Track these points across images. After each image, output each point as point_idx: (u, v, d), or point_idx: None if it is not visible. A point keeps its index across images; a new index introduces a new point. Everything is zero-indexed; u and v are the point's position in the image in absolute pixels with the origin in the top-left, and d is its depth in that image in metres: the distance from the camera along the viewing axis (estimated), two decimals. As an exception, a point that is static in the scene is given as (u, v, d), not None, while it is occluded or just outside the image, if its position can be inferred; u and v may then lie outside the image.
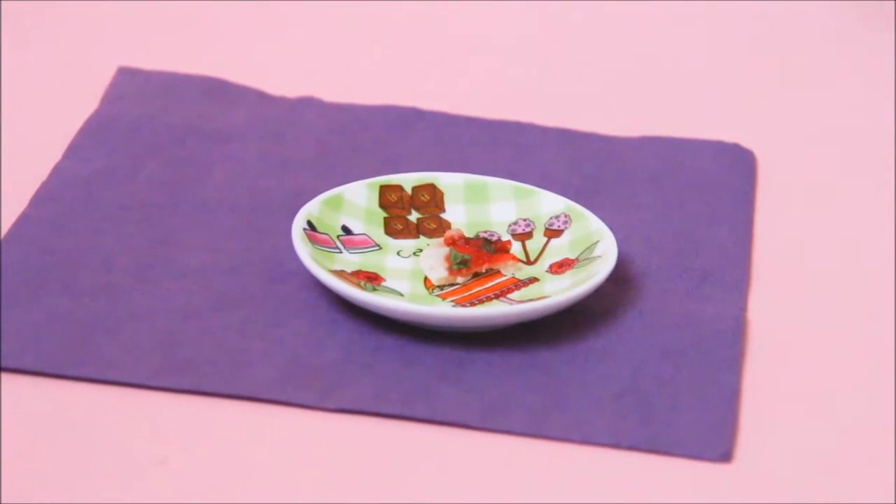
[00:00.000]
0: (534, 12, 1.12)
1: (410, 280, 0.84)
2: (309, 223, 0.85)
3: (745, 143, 0.99)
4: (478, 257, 0.85)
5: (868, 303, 0.86)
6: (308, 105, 0.99)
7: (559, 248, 0.86)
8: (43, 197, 0.89)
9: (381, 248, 0.86)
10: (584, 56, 1.08)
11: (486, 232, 0.88)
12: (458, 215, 0.89)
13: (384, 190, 0.89)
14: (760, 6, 1.16)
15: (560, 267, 0.85)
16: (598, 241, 0.85)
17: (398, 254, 0.86)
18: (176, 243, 0.86)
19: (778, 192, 0.95)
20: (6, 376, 0.77)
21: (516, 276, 0.85)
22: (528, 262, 0.86)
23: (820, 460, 0.75)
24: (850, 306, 0.86)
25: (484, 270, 0.85)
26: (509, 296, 0.83)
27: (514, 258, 0.86)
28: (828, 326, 0.84)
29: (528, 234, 0.87)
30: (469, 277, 0.85)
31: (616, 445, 0.75)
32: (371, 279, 0.84)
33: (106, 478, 0.72)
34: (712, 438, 0.75)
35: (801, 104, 1.04)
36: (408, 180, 0.89)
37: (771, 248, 0.90)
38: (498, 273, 0.85)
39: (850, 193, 0.95)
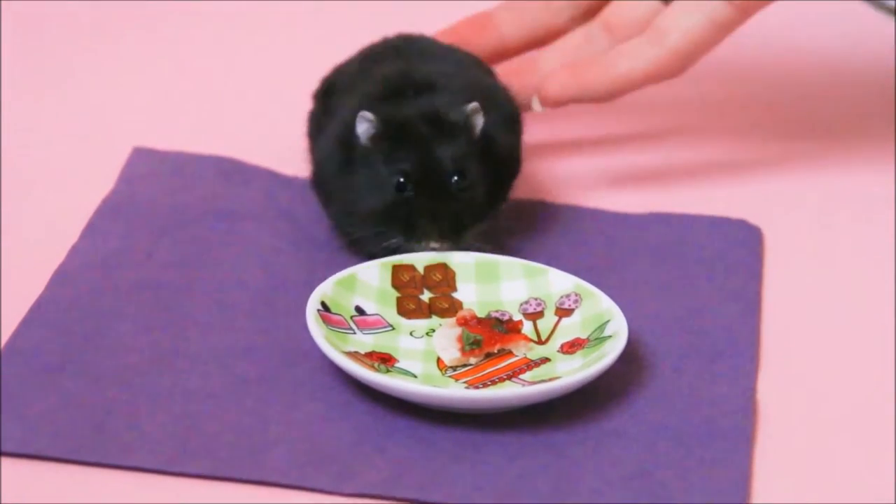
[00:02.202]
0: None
1: (423, 361, 0.85)
2: (323, 304, 0.86)
3: (752, 218, 1.00)
4: (490, 338, 0.86)
5: (880, 380, 0.87)
6: (320, 184, 1.00)
7: (570, 328, 0.87)
8: (60, 279, 0.90)
9: (394, 329, 0.87)
10: (587, 131, 1.10)
11: (497, 312, 0.89)
12: (470, 294, 0.90)
13: (397, 270, 0.90)
14: (762, 81, 1.17)
15: (571, 347, 0.86)
16: (608, 321, 0.86)
17: (411, 334, 0.87)
18: (192, 325, 0.87)
19: (786, 268, 0.96)
20: (23, 462, 0.78)
21: (528, 357, 0.86)
22: (540, 342, 0.87)
23: (831, 542, 0.76)
24: (862, 385, 0.86)
25: (496, 351, 0.86)
26: (521, 376, 0.84)
27: (526, 338, 0.87)
28: (839, 405, 0.85)
29: (540, 314, 0.88)
30: (482, 358, 0.86)
31: (628, 528, 0.76)
32: (384, 360, 0.85)
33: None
34: (724, 520, 0.76)
35: (807, 179, 1.05)
36: (420, 260, 0.90)
37: (780, 325, 0.91)
38: (510, 353, 0.86)
39: (859, 270, 0.96)
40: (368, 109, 0.90)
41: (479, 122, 0.91)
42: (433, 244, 0.90)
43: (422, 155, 0.89)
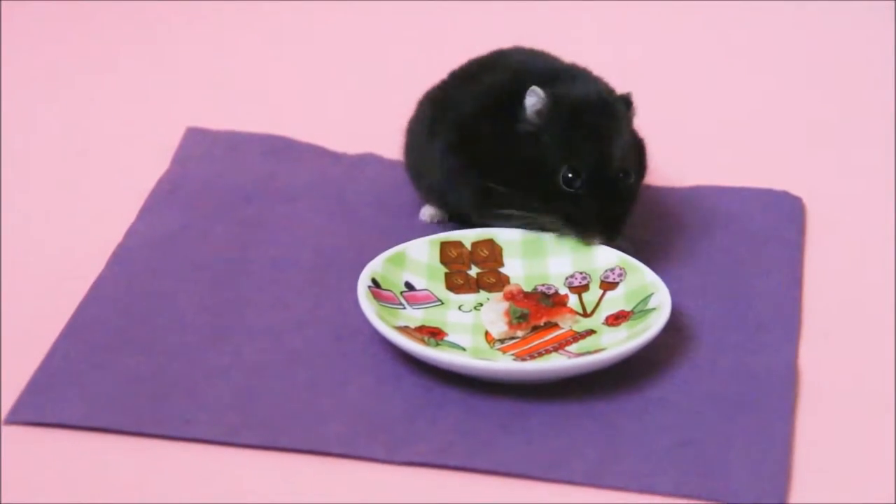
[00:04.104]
0: (582, 63, 1.15)
1: (472, 334, 0.88)
2: (373, 281, 0.88)
3: (794, 189, 1.01)
4: (536, 311, 0.88)
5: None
6: (369, 162, 1.03)
7: (615, 301, 0.89)
8: (119, 258, 0.92)
9: (442, 304, 0.90)
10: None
11: (543, 285, 0.91)
12: (517, 269, 0.92)
13: (445, 246, 0.92)
14: (808, 54, 1.18)
15: (616, 319, 0.88)
16: (652, 294, 0.88)
17: (459, 308, 0.90)
18: (246, 302, 0.90)
19: (828, 238, 0.97)
20: (87, 435, 0.80)
21: (574, 329, 0.88)
22: (585, 315, 0.89)
23: (872, 507, 0.78)
24: (899, 354, 0.88)
25: (542, 324, 0.88)
26: (567, 348, 0.86)
27: (572, 311, 0.89)
28: (879, 375, 0.86)
29: (585, 287, 0.90)
30: (528, 331, 0.88)
31: (673, 494, 0.78)
32: (434, 334, 0.87)
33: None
34: (767, 487, 0.78)
35: (849, 149, 1.07)
36: (467, 236, 0.92)
37: (821, 295, 0.92)
38: (556, 326, 0.88)
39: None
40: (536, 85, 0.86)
41: (635, 111, 0.89)
42: (597, 241, 0.88)
43: (595, 150, 0.86)
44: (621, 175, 0.88)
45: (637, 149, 0.91)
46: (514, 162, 0.88)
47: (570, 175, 0.87)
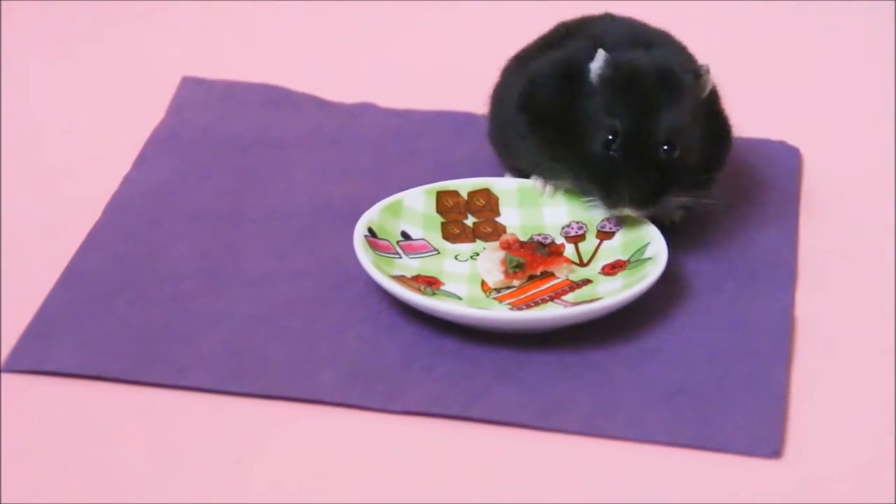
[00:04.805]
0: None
1: (468, 283, 0.88)
2: (370, 230, 0.88)
3: (791, 140, 1.01)
4: (532, 260, 0.88)
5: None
6: (365, 111, 1.02)
7: (611, 250, 0.89)
8: (115, 207, 0.92)
9: (439, 253, 0.90)
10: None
11: (540, 235, 0.91)
12: (513, 219, 0.92)
13: (441, 195, 0.92)
14: (808, 5, 1.18)
15: (612, 268, 0.88)
16: (648, 243, 0.87)
17: (456, 258, 0.90)
18: (242, 251, 0.89)
19: (825, 188, 0.97)
20: (84, 382, 0.81)
21: (570, 278, 0.88)
22: (582, 264, 0.89)
23: (869, 456, 0.78)
24: None
25: (539, 273, 0.88)
26: (564, 297, 0.86)
27: (568, 261, 0.89)
28: (875, 323, 0.86)
29: (581, 237, 0.90)
30: (524, 280, 0.88)
31: (669, 443, 0.78)
32: (430, 283, 0.87)
33: (181, 479, 0.75)
34: (763, 435, 0.78)
35: (847, 100, 1.06)
36: (464, 186, 0.92)
37: (818, 245, 0.92)
38: (552, 275, 0.88)
39: None
40: (606, 51, 0.86)
41: (709, 84, 0.87)
42: (627, 210, 0.86)
43: (637, 115, 0.85)
44: (665, 147, 0.85)
45: (715, 132, 0.89)
46: (572, 125, 0.87)
47: (609, 137, 0.85)
